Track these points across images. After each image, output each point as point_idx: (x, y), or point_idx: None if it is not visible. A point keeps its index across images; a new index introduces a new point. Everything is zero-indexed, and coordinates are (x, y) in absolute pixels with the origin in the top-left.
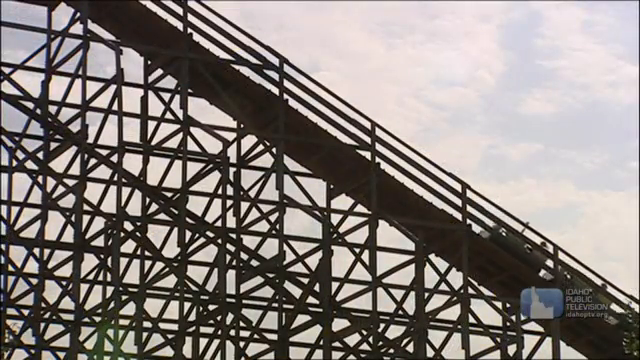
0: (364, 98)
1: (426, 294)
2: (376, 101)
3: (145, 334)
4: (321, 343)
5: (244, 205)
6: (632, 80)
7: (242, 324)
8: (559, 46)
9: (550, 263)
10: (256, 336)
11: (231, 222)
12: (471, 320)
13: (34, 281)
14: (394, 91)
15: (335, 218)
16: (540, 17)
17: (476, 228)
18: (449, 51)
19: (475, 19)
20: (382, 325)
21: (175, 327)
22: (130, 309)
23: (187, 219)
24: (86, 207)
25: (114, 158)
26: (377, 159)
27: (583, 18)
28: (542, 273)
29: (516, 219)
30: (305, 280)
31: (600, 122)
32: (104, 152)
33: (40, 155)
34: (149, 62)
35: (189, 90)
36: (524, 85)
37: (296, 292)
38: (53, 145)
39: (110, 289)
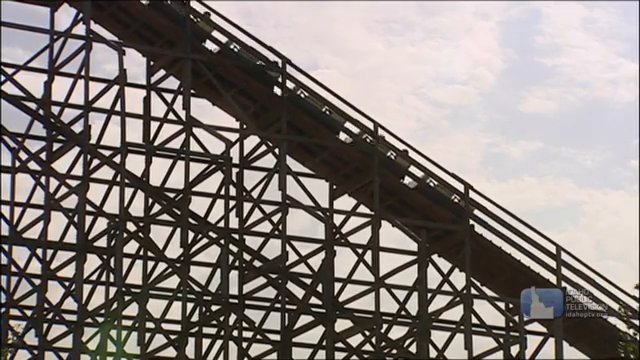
0: (364, 96)
1: (429, 294)
2: (376, 99)
3: (148, 335)
4: (324, 344)
5: (247, 206)
6: (632, 78)
7: (245, 325)
8: (559, 43)
9: (478, 213)
10: (259, 337)
11: (234, 223)
12: (474, 320)
13: (37, 282)
14: (394, 89)
15: (338, 219)
16: (540, 14)
17: (478, 228)
18: (449, 49)
19: (475, 16)
20: (385, 326)
21: (178, 328)
22: (133, 310)
23: (190, 220)
24: (89, 208)
25: (117, 159)
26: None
27: (583, 15)
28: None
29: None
30: (308, 281)
31: (600, 120)
32: (107, 153)
33: (43, 156)
34: (151, 63)
35: (192, 91)
36: (524, 83)
37: (299, 293)
38: (56, 146)
39: (113, 290)
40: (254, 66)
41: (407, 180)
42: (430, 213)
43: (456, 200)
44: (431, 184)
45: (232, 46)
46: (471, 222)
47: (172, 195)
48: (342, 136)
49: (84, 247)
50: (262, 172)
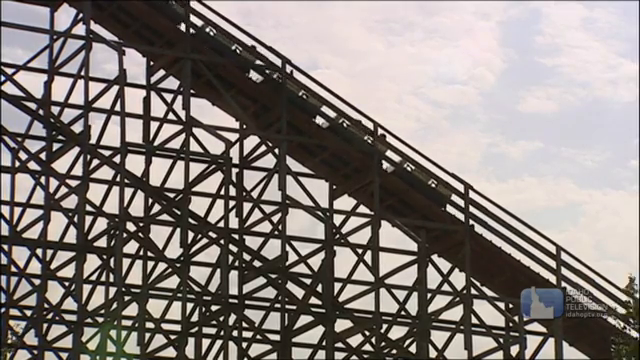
0: (364, 96)
1: (429, 295)
2: (376, 99)
3: (148, 335)
4: (324, 344)
5: (246, 206)
6: (632, 78)
7: (245, 325)
8: (559, 43)
9: (455, 198)
10: (258, 337)
11: (233, 223)
12: (474, 321)
13: (37, 282)
14: (393, 89)
15: (338, 219)
16: (540, 14)
17: (478, 228)
18: (449, 49)
19: (475, 16)
20: (385, 326)
21: (178, 328)
22: (133, 310)
23: (190, 220)
24: (89, 208)
25: (117, 159)
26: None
27: (583, 15)
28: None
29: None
30: (308, 281)
31: (600, 120)
32: (107, 153)
33: (43, 156)
34: (151, 63)
35: (191, 91)
36: (524, 83)
37: (299, 293)
38: (56, 146)
39: (113, 290)
40: (227, 48)
41: (385, 165)
42: (430, 213)
43: (433, 185)
44: (408, 169)
45: (208, 29)
46: (471, 222)
47: (172, 195)
48: (319, 120)
49: (84, 247)
50: (262, 172)
